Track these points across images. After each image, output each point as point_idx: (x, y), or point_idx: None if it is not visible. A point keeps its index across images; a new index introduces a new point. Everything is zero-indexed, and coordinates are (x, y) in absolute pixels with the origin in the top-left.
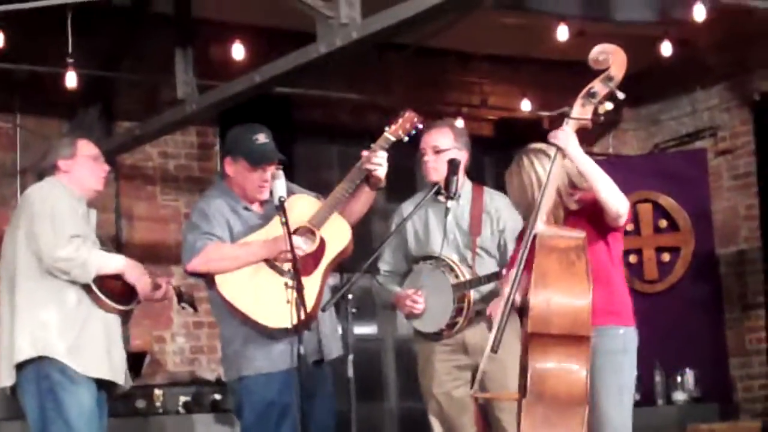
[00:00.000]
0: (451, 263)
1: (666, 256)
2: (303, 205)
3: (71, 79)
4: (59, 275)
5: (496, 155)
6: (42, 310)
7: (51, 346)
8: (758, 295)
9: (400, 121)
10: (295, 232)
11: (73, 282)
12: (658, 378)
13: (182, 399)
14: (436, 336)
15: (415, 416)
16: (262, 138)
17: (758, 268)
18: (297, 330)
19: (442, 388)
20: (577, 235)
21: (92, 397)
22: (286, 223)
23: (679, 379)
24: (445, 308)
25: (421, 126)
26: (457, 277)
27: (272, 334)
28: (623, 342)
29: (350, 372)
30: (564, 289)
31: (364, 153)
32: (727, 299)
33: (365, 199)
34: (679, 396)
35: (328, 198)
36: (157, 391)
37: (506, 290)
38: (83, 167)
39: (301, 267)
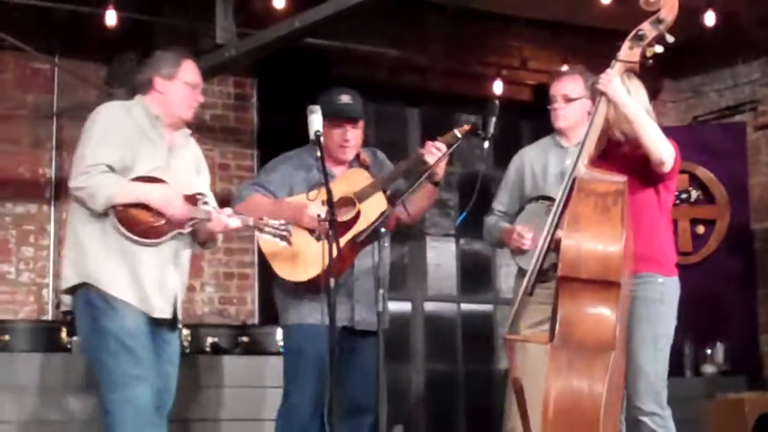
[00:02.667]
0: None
1: (701, 229)
2: (358, 179)
3: (111, 18)
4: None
5: (534, 120)
6: (81, 235)
7: (90, 272)
8: None
9: (465, 126)
10: (338, 201)
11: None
12: (687, 350)
13: (209, 340)
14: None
15: (440, 378)
16: (345, 98)
17: None
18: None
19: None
20: (618, 179)
21: (136, 321)
22: (321, 158)
23: (708, 351)
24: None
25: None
26: None
27: (296, 289)
28: (662, 291)
29: (380, 306)
30: (596, 234)
31: (429, 143)
32: (761, 274)
33: (425, 192)
34: (708, 369)
35: (379, 176)
36: (185, 331)
37: (545, 230)
38: (178, 93)
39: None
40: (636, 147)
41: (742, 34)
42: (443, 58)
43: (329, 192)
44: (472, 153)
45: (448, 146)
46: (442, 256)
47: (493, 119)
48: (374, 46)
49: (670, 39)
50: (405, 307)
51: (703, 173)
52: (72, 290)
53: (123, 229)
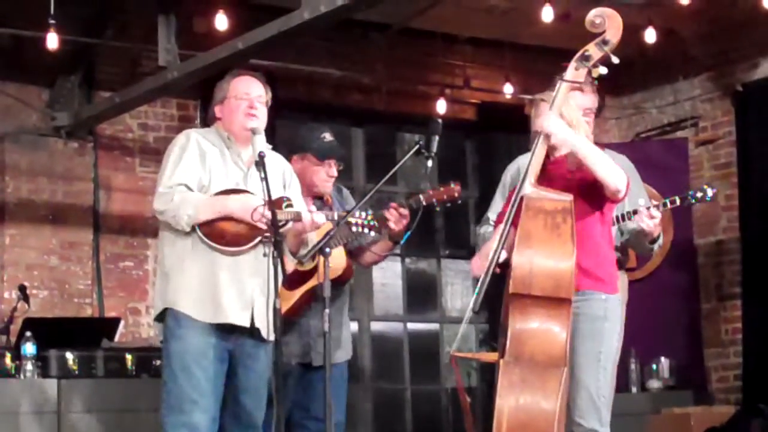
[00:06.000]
0: None
1: None
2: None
3: (52, 41)
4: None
5: (478, 138)
6: (164, 260)
7: (169, 298)
8: (735, 286)
9: (442, 189)
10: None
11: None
12: (633, 365)
13: (155, 363)
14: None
15: (388, 397)
16: (328, 137)
17: (736, 258)
18: None
19: None
20: (565, 198)
21: (203, 342)
22: (265, 178)
23: (654, 367)
24: None
25: (459, 202)
26: None
27: None
28: (605, 308)
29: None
30: (548, 251)
31: (393, 206)
32: (704, 289)
33: (384, 247)
34: (654, 384)
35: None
36: (128, 355)
37: (491, 248)
38: (229, 110)
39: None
40: (579, 169)
41: (683, 50)
42: (387, 78)
43: (273, 212)
44: (415, 172)
45: (412, 211)
46: (387, 275)
47: (436, 138)
48: (318, 66)
49: (615, 60)
50: (351, 327)
51: (646, 190)
52: (160, 317)
53: (211, 242)
